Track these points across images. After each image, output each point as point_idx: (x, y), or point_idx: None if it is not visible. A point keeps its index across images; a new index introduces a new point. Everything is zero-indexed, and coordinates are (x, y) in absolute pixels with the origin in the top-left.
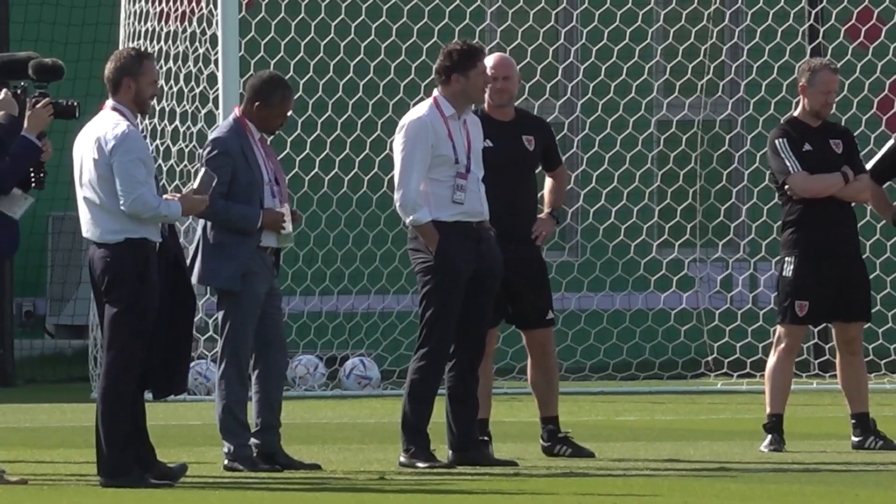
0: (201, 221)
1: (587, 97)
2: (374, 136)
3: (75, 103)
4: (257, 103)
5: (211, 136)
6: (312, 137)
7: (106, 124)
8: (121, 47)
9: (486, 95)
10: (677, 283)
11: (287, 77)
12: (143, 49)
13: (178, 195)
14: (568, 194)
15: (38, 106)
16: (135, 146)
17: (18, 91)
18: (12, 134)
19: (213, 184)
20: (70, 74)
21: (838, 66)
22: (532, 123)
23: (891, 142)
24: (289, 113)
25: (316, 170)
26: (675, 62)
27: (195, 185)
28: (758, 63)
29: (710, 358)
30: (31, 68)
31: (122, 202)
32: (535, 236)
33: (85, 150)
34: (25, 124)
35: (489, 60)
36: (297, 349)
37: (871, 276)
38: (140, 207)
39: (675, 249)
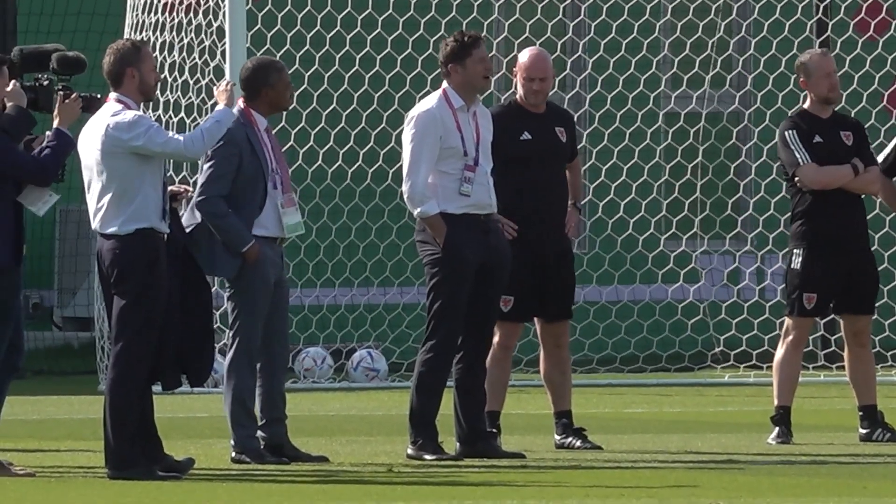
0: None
1: (596, 90)
2: (379, 129)
3: (99, 96)
4: (262, 90)
5: None
6: (317, 130)
7: (112, 115)
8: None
9: (521, 94)
10: (685, 276)
11: (292, 70)
12: (141, 39)
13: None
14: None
15: (69, 100)
16: (146, 120)
17: (45, 83)
18: (21, 125)
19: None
20: None
21: (846, 57)
22: (561, 115)
23: None
24: (291, 84)
25: (320, 162)
26: (683, 55)
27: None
28: (765, 56)
29: (717, 350)
30: (54, 61)
31: (185, 156)
32: (568, 229)
33: (92, 141)
34: (57, 118)
35: (525, 60)
36: (298, 342)
37: (879, 269)
38: (195, 145)
39: (682, 243)
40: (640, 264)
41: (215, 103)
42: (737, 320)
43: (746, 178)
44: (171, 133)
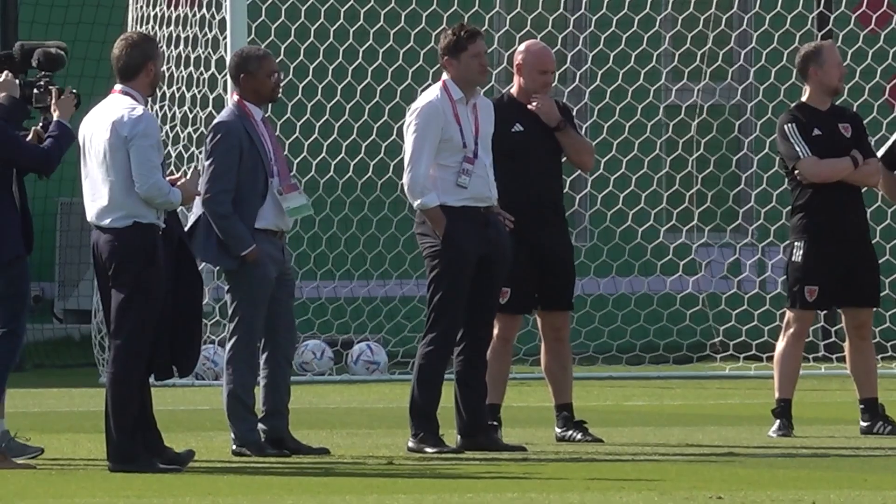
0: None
1: (595, 84)
2: (381, 122)
3: (74, 90)
4: (242, 77)
5: (214, 121)
6: (321, 122)
7: (121, 108)
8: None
9: (526, 86)
10: (684, 268)
11: (297, 62)
12: (147, 32)
13: (179, 181)
14: (578, 180)
15: (64, 95)
16: (152, 131)
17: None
18: (16, 114)
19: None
20: (80, 54)
21: (848, 51)
22: (558, 107)
23: None
24: (276, 73)
25: (323, 154)
26: (684, 49)
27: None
28: (767, 50)
29: (715, 340)
30: (39, 56)
31: (137, 185)
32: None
33: (96, 133)
34: (56, 111)
35: (533, 54)
36: (302, 334)
37: (880, 261)
38: (155, 192)
39: (682, 234)
40: (639, 256)
41: (218, 97)
42: (737, 311)
43: (748, 170)
44: (157, 167)
